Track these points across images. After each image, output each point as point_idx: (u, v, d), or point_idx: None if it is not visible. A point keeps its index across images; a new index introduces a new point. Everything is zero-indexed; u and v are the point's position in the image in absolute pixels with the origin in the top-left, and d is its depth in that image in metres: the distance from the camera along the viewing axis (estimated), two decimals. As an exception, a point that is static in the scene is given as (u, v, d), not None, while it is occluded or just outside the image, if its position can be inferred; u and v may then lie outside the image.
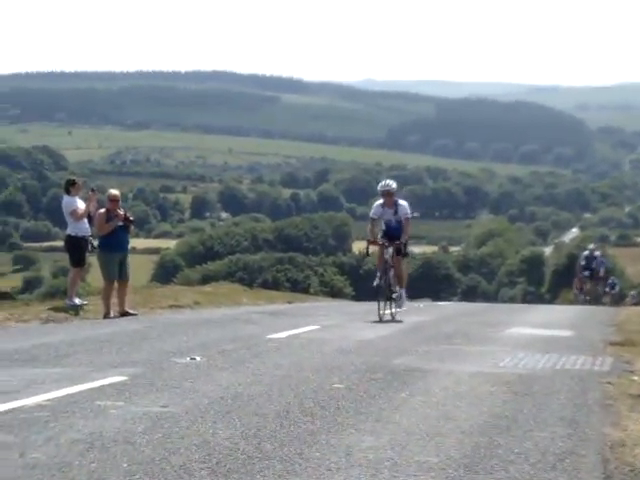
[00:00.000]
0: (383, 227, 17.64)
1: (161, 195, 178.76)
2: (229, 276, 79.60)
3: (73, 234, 18.02)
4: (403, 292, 17.65)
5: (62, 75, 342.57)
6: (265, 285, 69.08)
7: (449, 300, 64.19)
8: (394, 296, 17.39)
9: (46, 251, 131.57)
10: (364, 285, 60.80)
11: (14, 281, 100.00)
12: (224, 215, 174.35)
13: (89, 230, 18.05)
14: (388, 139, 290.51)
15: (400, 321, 17.19)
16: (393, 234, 17.42)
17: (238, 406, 8.08)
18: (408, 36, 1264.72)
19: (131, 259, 18.54)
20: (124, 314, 17.67)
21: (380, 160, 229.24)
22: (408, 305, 20.01)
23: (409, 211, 17.61)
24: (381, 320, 16.69)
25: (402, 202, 17.58)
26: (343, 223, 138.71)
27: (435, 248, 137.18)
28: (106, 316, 17.51)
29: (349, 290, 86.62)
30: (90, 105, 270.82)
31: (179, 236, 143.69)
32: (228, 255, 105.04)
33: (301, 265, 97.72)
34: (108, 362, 10.79)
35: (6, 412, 7.62)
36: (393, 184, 17.64)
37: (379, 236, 17.47)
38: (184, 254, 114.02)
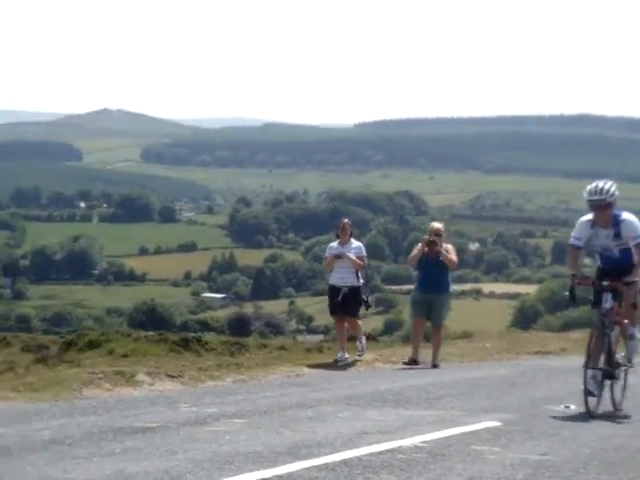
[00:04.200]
0: (598, 260, 11.16)
1: (521, 240, 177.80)
2: (592, 323, 77.38)
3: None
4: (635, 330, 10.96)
5: (424, 122, 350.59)
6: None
7: None
8: (621, 362, 10.85)
9: (406, 294, 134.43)
10: None
11: (375, 322, 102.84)
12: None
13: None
14: None
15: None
16: (615, 270, 10.80)
17: (622, 458, 7.72)
18: None
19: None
20: (434, 366, 15.98)
21: None
22: None
23: None
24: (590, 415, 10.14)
25: (627, 216, 10.77)
26: None
27: None
28: (411, 362, 15.94)
29: None
30: (451, 150, 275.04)
31: (539, 281, 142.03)
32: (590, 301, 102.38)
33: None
34: (480, 407, 10.70)
35: (385, 452, 7.70)
36: (610, 187, 10.62)
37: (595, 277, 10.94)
38: (544, 300, 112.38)
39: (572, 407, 10.79)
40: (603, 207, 10.63)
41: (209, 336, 20.52)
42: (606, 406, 10.37)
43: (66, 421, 9.22)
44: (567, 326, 62.78)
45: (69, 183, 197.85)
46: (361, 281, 16.08)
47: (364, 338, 16.78)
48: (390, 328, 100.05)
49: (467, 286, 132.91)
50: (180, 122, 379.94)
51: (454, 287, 17.35)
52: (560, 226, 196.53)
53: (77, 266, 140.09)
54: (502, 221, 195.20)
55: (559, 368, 16.42)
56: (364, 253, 16.21)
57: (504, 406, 10.76)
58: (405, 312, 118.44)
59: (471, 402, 11.13)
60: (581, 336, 26.24)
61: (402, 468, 7.05)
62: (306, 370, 15.33)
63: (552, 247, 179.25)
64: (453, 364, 17.03)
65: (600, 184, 10.67)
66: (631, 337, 10.99)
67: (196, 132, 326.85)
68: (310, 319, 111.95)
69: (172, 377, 13.23)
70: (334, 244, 16.37)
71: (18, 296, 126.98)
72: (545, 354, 19.74)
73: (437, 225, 16.40)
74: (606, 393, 10.53)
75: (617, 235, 10.77)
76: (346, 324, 16.30)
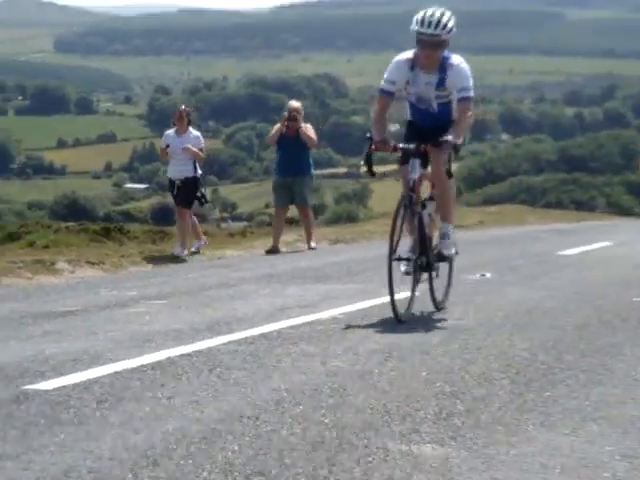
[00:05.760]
0: (409, 113, 8.66)
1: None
2: (511, 199, 78.60)
3: None
4: (449, 229, 8.68)
5: (342, 3, 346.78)
6: (548, 207, 67.77)
7: None
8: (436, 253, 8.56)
9: (327, 178, 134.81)
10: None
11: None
12: (504, 137, 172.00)
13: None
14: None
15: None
16: (430, 128, 8.30)
17: (533, 319, 7.94)
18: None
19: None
20: (310, 249, 15.61)
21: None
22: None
23: (470, 83, 8.23)
24: (399, 319, 7.90)
25: (458, 61, 8.23)
26: (631, 141, 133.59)
27: None
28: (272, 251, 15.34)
29: (639, 209, 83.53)
30: (369, 32, 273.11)
31: (458, 159, 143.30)
32: (509, 177, 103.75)
33: (586, 185, 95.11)
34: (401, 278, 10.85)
35: (305, 324, 7.82)
36: (449, 20, 8.13)
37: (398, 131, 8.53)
38: (464, 178, 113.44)
39: (487, 275, 11.02)
40: (434, 45, 8.05)
41: (132, 226, 20.42)
42: (426, 305, 8.45)
43: (-16, 309, 9.18)
44: (486, 203, 63.67)
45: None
46: (199, 172, 15.35)
47: (203, 237, 15.71)
48: (314, 212, 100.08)
49: (390, 167, 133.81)
50: (93, 10, 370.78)
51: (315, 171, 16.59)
52: (478, 102, 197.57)
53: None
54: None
55: (477, 239, 16.72)
56: (202, 143, 15.45)
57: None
58: (328, 195, 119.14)
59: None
60: (498, 209, 26.74)
61: (320, 339, 7.17)
62: (228, 253, 15.42)
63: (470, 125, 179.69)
64: (373, 241, 17.24)
65: (437, 13, 8.06)
66: (444, 236, 8.62)
67: (110, 20, 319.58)
68: (234, 206, 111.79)
69: (93, 264, 13.21)
70: (170, 132, 15.51)
71: None
72: (463, 227, 20.05)
73: (295, 104, 15.90)
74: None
75: (441, 83, 8.18)
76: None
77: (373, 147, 8.09)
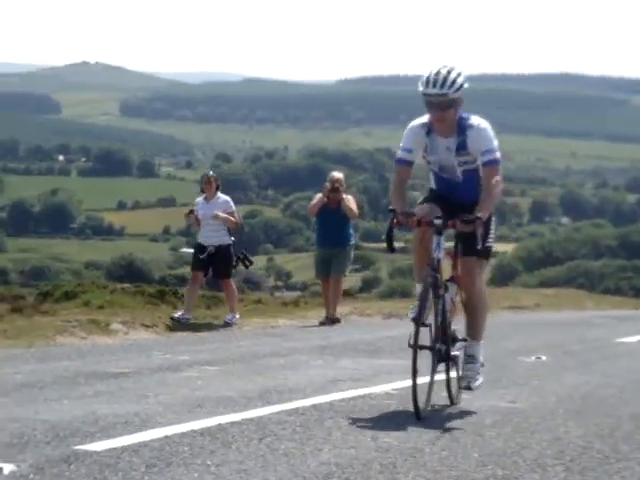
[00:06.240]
0: (433, 182, 7.80)
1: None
2: (568, 282, 77.90)
3: None
4: (477, 350, 7.65)
5: (406, 79, 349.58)
6: (607, 293, 67.03)
7: None
8: (456, 351, 7.58)
9: (382, 251, 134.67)
10: None
11: (354, 279, 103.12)
12: (564, 220, 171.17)
13: None
14: None
15: None
16: (455, 200, 7.56)
17: (589, 406, 7.81)
18: None
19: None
20: (331, 321, 15.29)
21: None
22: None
23: (495, 144, 7.40)
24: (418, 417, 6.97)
25: (478, 121, 7.43)
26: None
27: None
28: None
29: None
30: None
31: (517, 240, 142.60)
32: (568, 261, 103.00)
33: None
34: (452, 357, 10.77)
35: (357, 398, 7.76)
36: (457, 76, 7.30)
37: (418, 202, 7.78)
38: (522, 258, 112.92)
39: (543, 358, 10.90)
40: (443, 106, 7.25)
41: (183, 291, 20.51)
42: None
43: (38, 366, 9.25)
44: (543, 285, 63.18)
45: (48, 136, 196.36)
46: (232, 239, 14.92)
47: (237, 312, 15.10)
48: (368, 285, 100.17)
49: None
50: (158, 76, 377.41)
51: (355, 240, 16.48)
52: (539, 185, 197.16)
53: (55, 220, 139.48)
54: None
55: (532, 321, 16.57)
56: (233, 208, 15.05)
57: (476, 357, 10.82)
58: (383, 269, 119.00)
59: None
60: (555, 292, 26.48)
61: (371, 413, 7.12)
62: (281, 322, 15.41)
63: (530, 206, 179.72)
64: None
65: (443, 70, 7.29)
66: (471, 359, 7.58)
67: (176, 86, 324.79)
68: (289, 275, 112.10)
69: (147, 327, 13.28)
70: (200, 199, 15.19)
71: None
72: (519, 308, 19.90)
73: (338, 175, 15.68)
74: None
75: (461, 147, 7.38)
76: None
77: (396, 220, 7.29)
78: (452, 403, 7.63)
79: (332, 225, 15.36)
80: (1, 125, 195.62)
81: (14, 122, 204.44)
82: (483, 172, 7.33)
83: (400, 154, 7.55)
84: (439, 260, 7.23)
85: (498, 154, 7.36)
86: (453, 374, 7.62)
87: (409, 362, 9.95)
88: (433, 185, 7.78)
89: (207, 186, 14.96)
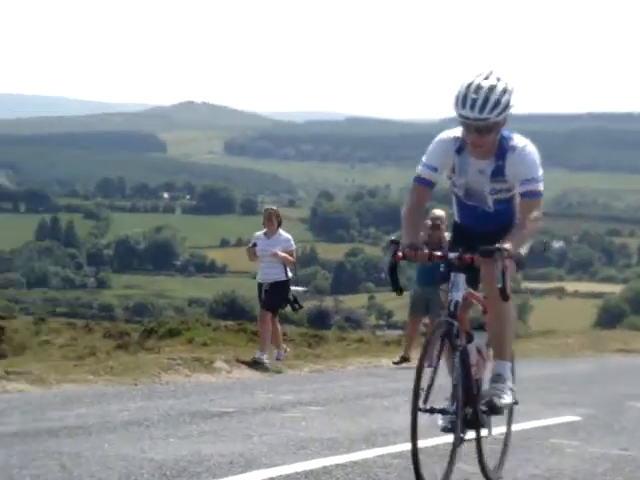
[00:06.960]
0: (455, 211, 6.62)
1: (607, 238, 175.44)
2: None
3: None
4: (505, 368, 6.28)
5: (513, 117, 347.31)
6: None
7: None
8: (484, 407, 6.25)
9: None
10: None
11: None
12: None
13: None
14: None
15: None
16: (482, 233, 6.25)
17: None
18: None
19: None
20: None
21: None
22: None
23: (539, 173, 6.09)
24: None
25: (522, 143, 6.13)
26: None
27: None
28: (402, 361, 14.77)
29: None
30: (538, 147, 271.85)
31: (624, 281, 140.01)
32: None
33: None
34: (559, 401, 10.57)
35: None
36: (502, 95, 5.86)
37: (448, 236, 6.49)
38: (630, 299, 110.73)
39: (654, 404, 10.60)
40: (483, 130, 5.92)
41: (289, 328, 20.61)
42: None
43: (144, 404, 9.33)
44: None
45: (153, 174, 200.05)
46: (289, 275, 14.43)
47: (284, 345, 14.80)
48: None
49: (551, 284, 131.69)
50: (263, 115, 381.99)
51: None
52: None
53: (159, 257, 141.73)
54: (588, 219, 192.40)
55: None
56: (293, 246, 14.67)
57: (584, 401, 10.60)
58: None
59: (550, 396, 11.00)
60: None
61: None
62: (384, 362, 15.32)
63: (639, 246, 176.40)
64: (533, 359, 16.85)
65: (485, 86, 5.84)
66: (498, 379, 6.27)
67: (279, 125, 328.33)
68: (390, 314, 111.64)
69: (250, 365, 13.30)
70: (260, 233, 14.69)
71: (101, 285, 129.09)
72: (628, 352, 19.47)
73: (439, 212, 15.18)
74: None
75: (498, 172, 6.09)
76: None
77: (400, 254, 6.09)
78: (487, 479, 6.34)
79: (433, 263, 15.07)
80: (110, 163, 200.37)
81: (122, 161, 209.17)
82: (520, 204, 6.05)
83: (422, 171, 6.20)
84: (457, 303, 5.96)
85: (541, 185, 6.05)
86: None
87: (516, 406, 9.80)
88: (456, 217, 6.56)
89: (268, 222, 14.57)
